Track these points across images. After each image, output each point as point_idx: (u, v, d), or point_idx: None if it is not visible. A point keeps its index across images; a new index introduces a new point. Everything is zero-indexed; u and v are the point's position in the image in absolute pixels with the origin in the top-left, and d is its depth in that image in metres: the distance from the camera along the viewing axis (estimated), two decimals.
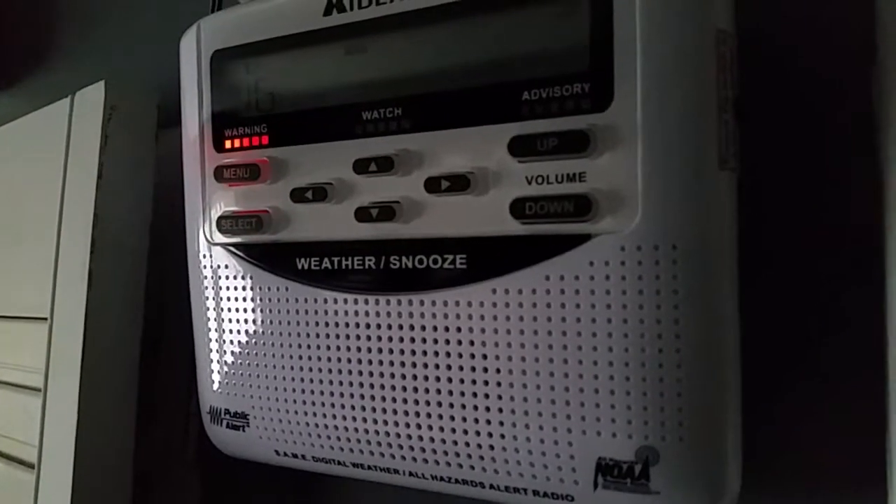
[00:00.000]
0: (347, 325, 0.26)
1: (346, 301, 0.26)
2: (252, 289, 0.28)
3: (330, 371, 0.26)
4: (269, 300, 0.27)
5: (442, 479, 0.25)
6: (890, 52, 0.22)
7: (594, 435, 0.22)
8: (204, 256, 0.29)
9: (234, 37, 0.28)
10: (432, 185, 0.24)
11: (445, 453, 0.24)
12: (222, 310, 0.29)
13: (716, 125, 0.21)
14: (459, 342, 0.24)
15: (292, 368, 0.27)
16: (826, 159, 0.25)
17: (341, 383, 0.26)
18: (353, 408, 0.26)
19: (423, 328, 0.24)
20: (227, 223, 0.28)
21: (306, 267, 0.26)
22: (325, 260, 0.26)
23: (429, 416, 0.24)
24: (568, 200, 0.22)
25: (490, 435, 0.23)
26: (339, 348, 0.26)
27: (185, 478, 0.38)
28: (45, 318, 0.35)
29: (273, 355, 0.27)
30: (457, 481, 0.24)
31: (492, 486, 0.24)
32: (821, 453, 0.24)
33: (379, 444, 0.25)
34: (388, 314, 0.25)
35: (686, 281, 0.21)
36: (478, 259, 0.23)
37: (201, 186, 0.29)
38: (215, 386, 0.29)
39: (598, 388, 0.22)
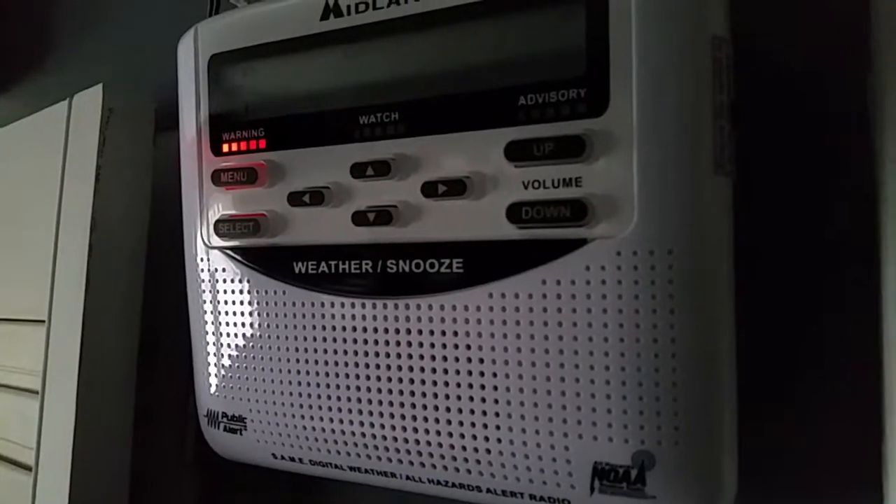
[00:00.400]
0: (344, 328, 0.26)
1: (343, 305, 0.26)
2: (249, 292, 0.28)
3: (327, 375, 0.26)
4: (267, 303, 0.27)
5: (438, 482, 0.25)
6: (885, 59, 0.22)
7: (590, 439, 0.22)
8: (201, 260, 0.29)
9: (232, 41, 0.28)
10: (429, 189, 0.24)
11: (442, 457, 0.24)
12: (219, 313, 0.29)
13: (711, 130, 0.21)
14: (456, 346, 0.24)
15: (289, 372, 0.27)
16: (822, 164, 0.25)
17: (338, 387, 0.26)
18: (349, 411, 0.26)
19: (420, 332, 0.24)
20: (224, 227, 0.28)
21: (303, 270, 0.26)
22: (323, 264, 0.26)
23: (426, 419, 0.24)
24: (564, 205, 0.22)
25: (487, 439, 0.23)
26: (336, 352, 0.26)
27: (183, 479, 0.38)
28: (43, 321, 0.35)
29: (270, 359, 0.27)
30: (453, 485, 0.25)
31: (488, 490, 0.24)
32: (817, 456, 0.24)
33: (376, 447, 0.25)
34: (385, 318, 0.25)
35: (681, 285, 0.21)
36: (474, 263, 0.23)
37: (199, 190, 0.29)
38: (212, 389, 0.29)
39: (594, 393, 0.22)
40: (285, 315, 0.27)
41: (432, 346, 0.24)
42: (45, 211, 0.36)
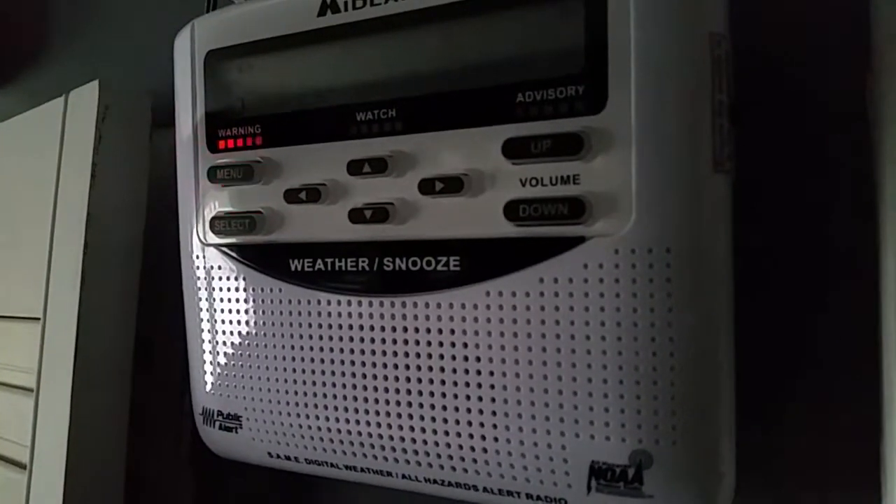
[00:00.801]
0: (341, 326, 0.26)
1: (339, 302, 0.26)
2: (245, 290, 0.28)
3: (323, 373, 0.26)
4: (263, 301, 0.27)
5: (434, 481, 0.25)
6: (885, 58, 0.22)
7: (588, 438, 0.22)
8: (197, 257, 0.29)
9: (229, 37, 0.28)
10: (426, 186, 0.24)
11: (438, 456, 0.24)
12: (215, 311, 0.29)
13: (710, 128, 0.21)
14: (453, 344, 0.23)
15: (285, 370, 0.27)
16: (822, 162, 0.25)
17: (334, 385, 0.26)
18: (345, 410, 0.26)
19: (417, 330, 0.24)
20: (220, 224, 0.28)
21: (300, 268, 0.26)
22: (319, 261, 0.26)
23: (422, 418, 0.24)
24: (562, 203, 0.21)
25: (483, 437, 0.23)
26: (332, 350, 0.26)
27: (179, 477, 0.38)
28: (38, 318, 0.35)
29: (266, 357, 0.27)
30: (449, 484, 0.24)
31: (485, 489, 0.24)
32: (816, 456, 0.24)
33: (372, 446, 0.25)
34: (382, 316, 0.25)
35: (680, 284, 0.21)
36: (471, 261, 0.23)
37: (195, 187, 0.29)
38: (208, 387, 0.29)
39: (591, 392, 0.22)
40: (281, 313, 0.27)
41: (429, 344, 0.24)
42: (40, 208, 0.36)
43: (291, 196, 0.26)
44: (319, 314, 0.26)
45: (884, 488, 0.22)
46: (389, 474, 0.26)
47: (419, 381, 0.24)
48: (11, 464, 0.36)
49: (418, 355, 0.24)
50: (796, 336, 0.25)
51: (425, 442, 0.24)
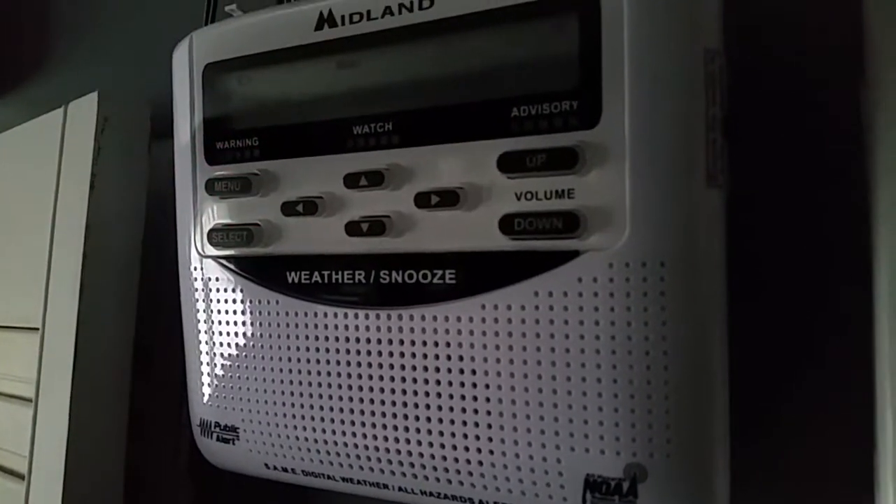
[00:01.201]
0: (337, 338, 0.26)
1: (336, 315, 0.26)
2: (242, 301, 0.28)
3: (319, 385, 0.26)
4: (260, 313, 0.27)
5: (431, 494, 0.25)
6: (878, 66, 0.22)
7: (582, 451, 0.22)
8: (195, 269, 0.29)
9: (227, 50, 0.28)
10: (422, 199, 0.24)
11: (434, 468, 0.24)
12: (213, 322, 0.29)
13: (703, 143, 0.21)
14: (448, 357, 0.24)
15: (282, 382, 0.27)
16: (815, 174, 0.25)
17: (331, 397, 0.26)
18: (342, 422, 0.26)
19: (413, 343, 0.24)
20: (218, 236, 0.28)
21: (297, 280, 0.26)
22: (316, 273, 0.26)
23: (418, 430, 0.24)
24: (556, 217, 0.22)
25: (479, 450, 0.23)
26: (328, 362, 0.26)
27: (177, 487, 0.38)
28: (37, 328, 0.35)
29: (263, 368, 0.27)
30: (445, 496, 0.24)
31: (480, 502, 0.24)
32: (810, 467, 0.24)
33: (368, 458, 0.25)
34: (378, 328, 0.25)
35: (674, 298, 0.21)
36: (467, 274, 0.23)
37: (193, 198, 0.29)
38: (205, 398, 0.29)
39: (586, 405, 0.22)
40: (278, 325, 0.27)
41: (425, 356, 0.24)
42: (39, 218, 0.36)
43: (288, 209, 0.26)
44: (316, 326, 0.26)
45: (877, 501, 0.22)
46: (386, 486, 0.26)
47: (415, 393, 0.24)
48: (10, 474, 0.36)
49: (414, 368, 0.24)
50: (791, 347, 0.25)
51: (421, 454, 0.24)
